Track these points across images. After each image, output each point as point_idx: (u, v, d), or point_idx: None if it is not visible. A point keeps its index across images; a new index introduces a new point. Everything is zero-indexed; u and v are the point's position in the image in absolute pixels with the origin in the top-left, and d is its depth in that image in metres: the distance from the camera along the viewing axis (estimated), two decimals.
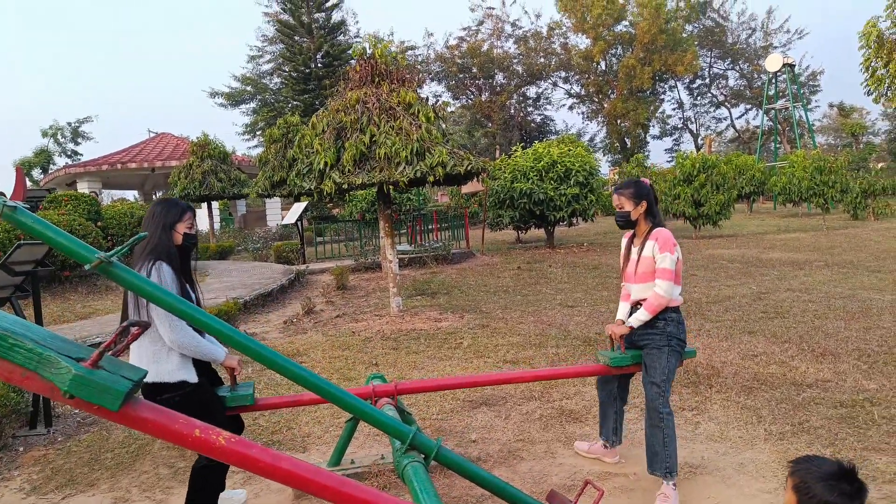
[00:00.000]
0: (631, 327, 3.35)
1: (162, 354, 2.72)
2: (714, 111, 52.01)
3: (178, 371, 2.72)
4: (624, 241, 3.61)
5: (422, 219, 17.11)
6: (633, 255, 3.42)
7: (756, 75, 47.21)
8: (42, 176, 28.55)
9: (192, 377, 2.76)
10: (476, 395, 4.93)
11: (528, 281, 10.84)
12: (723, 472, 3.50)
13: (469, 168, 6.55)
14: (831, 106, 53.92)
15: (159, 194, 27.40)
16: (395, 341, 6.83)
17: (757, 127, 46.12)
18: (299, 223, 14.75)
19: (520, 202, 14.50)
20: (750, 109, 49.77)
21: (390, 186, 6.67)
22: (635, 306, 3.43)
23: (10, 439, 4.39)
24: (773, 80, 37.39)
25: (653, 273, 3.26)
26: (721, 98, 50.84)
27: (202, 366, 2.89)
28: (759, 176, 26.03)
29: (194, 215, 3.03)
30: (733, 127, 52.03)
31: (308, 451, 4.06)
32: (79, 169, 20.97)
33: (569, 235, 19.84)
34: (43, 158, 31.27)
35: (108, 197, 26.00)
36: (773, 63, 35.64)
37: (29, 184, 23.99)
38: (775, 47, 45.08)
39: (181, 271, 2.85)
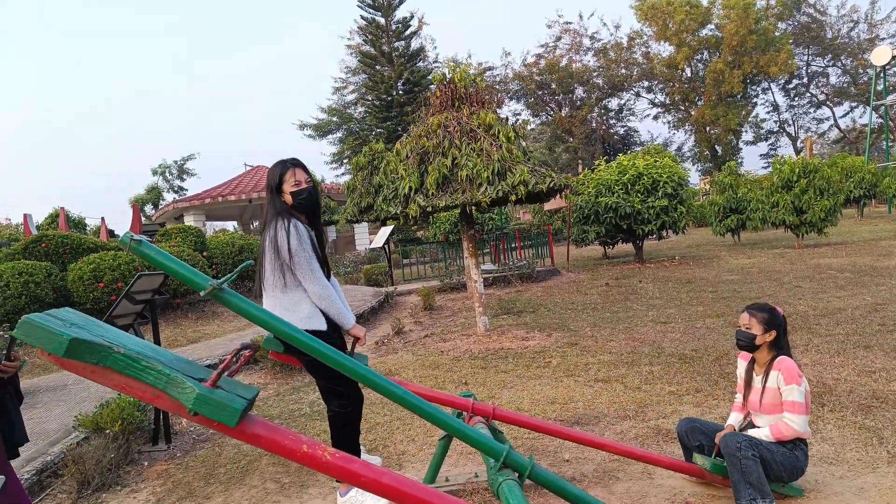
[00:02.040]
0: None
1: (294, 304, 2.96)
2: (814, 112, 49.06)
3: (309, 319, 2.95)
4: (741, 364, 3.50)
5: (505, 238, 17.12)
6: (756, 385, 3.31)
7: (861, 70, 44.21)
8: (153, 211, 30.78)
9: (322, 325, 2.99)
10: (568, 414, 4.87)
11: (616, 297, 10.59)
12: (840, 496, 3.26)
13: (551, 185, 6.54)
14: None
15: (256, 224, 28.90)
16: (484, 360, 6.86)
17: (864, 125, 43.17)
18: (386, 246, 15.13)
19: (605, 217, 14.22)
20: (856, 107, 46.63)
21: (473, 207, 6.74)
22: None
23: (136, 455, 4.76)
24: (882, 75, 34.89)
25: (780, 405, 3.15)
26: (822, 97, 47.94)
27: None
28: (869, 178, 24.24)
29: (304, 169, 3.16)
30: (837, 127, 48.86)
31: (403, 468, 4.15)
32: (185, 203, 22.51)
33: (658, 249, 19.24)
34: (154, 195, 33.73)
35: (210, 228, 27.66)
36: (880, 56, 33.28)
37: (143, 219, 25.97)
38: (882, 39, 42.13)
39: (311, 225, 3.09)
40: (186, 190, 36.08)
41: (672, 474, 3.69)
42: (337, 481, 3.31)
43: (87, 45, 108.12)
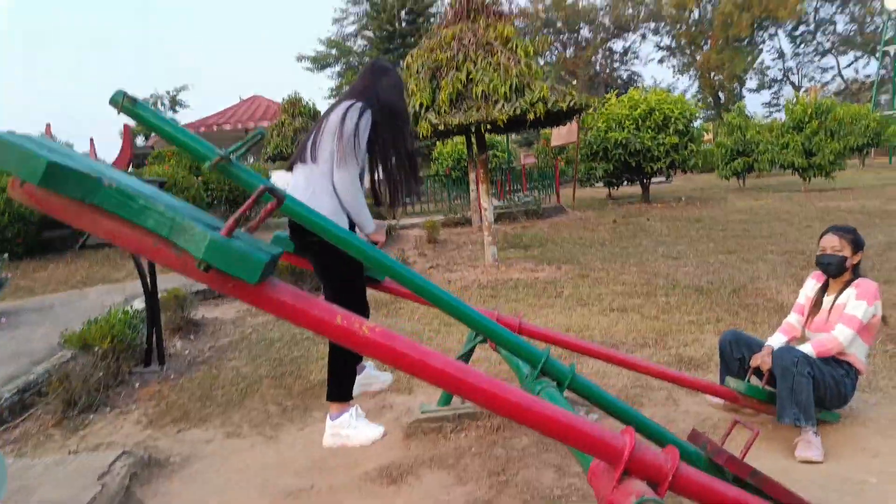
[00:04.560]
0: None
1: (317, 197, 2.75)
2: (819, 60, 47.92)
3: (331, 216, 2.70)
4: (812, 283, 3.28)
5: (510, 174, 16.73)
6: (826, 305, 3.09)
7: (869, 18, 43.01)
8: (145, 141, 30.08)
9: (344, 225, 2.80)
10: (585, 340, 4.66)
11: (625, 234, 10.35)
12: (877, 423, 3.10)
13: (571, 104, 6.16)
14: None
15: (251, 158, 28.28)
16: (493, 290, 6.63)
17: (868, 76, 42.24)
18: None
19: (614, 153, 13.83)
20: (860, 57, 45.56)
21: (488, 127, 6.36)
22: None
23: (127, 375, 4.51)
24: (891, 22, 33.91)
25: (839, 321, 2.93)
26: (828, 45, 46.75)
27: None
28: (874, 126, 23.75)
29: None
30: (840, 77, 47.83)
31: (413, 393, 3.92)
32: None
33: (664, 191, 18.92)
34: (145, 126, 32.99)
35: None
36: (891, 1, 32.27)
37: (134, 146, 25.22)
38: None
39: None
40: (179, 122, 35.29)
41: (698, 400, 3.52)
42: (329, 399, 3.09)
43: None
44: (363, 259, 2.16)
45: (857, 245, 3.07)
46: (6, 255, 6.40)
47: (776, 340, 3.26)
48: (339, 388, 3.04)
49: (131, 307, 4.97)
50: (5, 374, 4.19)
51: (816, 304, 3.20)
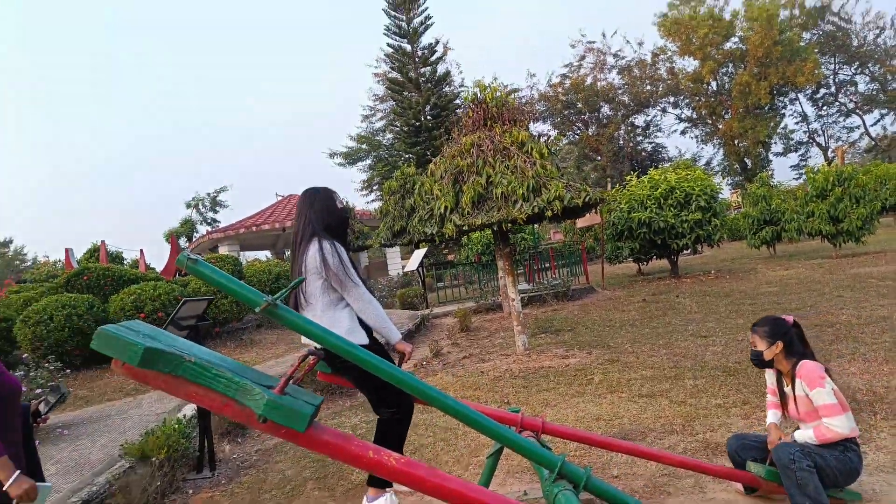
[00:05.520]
0: (794, 441, 3.16)
1: (334, 321, 3.03)
2: (844, 120, 48.04)
3: (350, 334, 3.02)
4: (769, 375, 3.50)
5: (538, 257, 17.05)
6: (789, 394, 3.30)
7: (890, 77, 43.38)
8: (187, 244, 31.43)
9: (364, 339, 3.08)
10: (614, 430, 4.80)
11: (654, 313, 10.44)
12: None
13: (587, 199, 6.54)
14: None
15: (288, 252, 29.26)
16: (525, 379, 6.81)
17: None
18: (420, 269, 15.18)
19: (639, 232, 14.10)
20: (886, 114, 45.62)
21: (509, 224, 6.76)
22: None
23: (181, 483, 4.79)
24: None
25: (816, 411, 3.11)
26: (851, 106, 47.05)
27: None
28: None
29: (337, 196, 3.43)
30: (868, 135, 47.77)
31: None
32: (219, 234, 22.94)
33: (693, 264, 18.94)
34: (188, 228, 34.44)
35: (243, 258, 28.13)
36: None
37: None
38: None
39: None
40: (219, 222, 36.79)
41: (725, 488, 3.62)
42: (369, 484, 3.30)
43: (121, 83, 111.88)
44: (389, 380, 2.36)
45: (773, 335, 3.24)
46: (68, 371, 6.85)
47: (773, 417, 3.43)
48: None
49: (184, 416, 5.29)
50: (69, 487, 4.49)
51: (781, 394, 3.37)
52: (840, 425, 2.99)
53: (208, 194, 37.21)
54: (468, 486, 1.56)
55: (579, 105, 46.06)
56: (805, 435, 3.10)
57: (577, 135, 47.51)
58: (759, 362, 3.32)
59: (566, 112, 46.79)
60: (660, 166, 37.91)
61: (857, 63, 44.96)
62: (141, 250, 14.17)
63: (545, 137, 7.51)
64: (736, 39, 43.05)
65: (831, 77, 45.92)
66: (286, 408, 1.43)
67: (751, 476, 3.30)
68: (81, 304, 9.07)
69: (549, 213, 6.55)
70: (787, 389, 3.30)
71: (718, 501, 3.48)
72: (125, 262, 20.29)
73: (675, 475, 3.86)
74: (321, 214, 3.24)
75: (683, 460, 3.35)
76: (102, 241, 16.45)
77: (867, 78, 45.49)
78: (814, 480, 2.90)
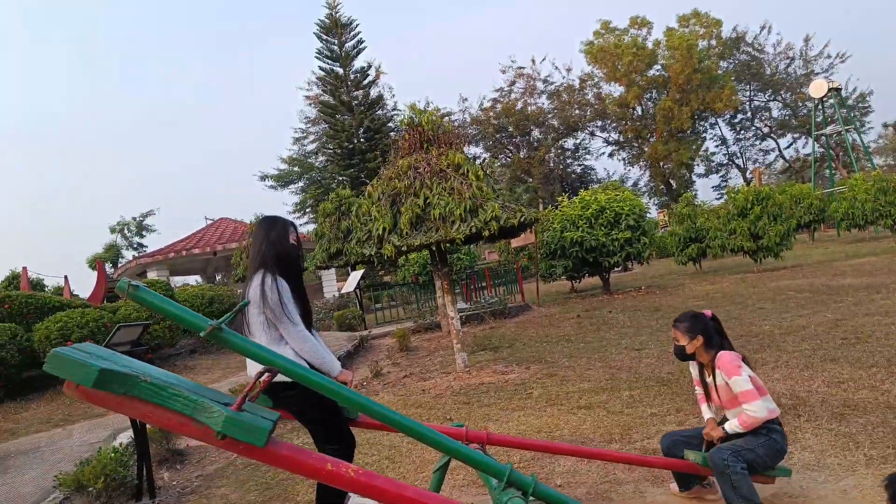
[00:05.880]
0: (726, 432, 3.33)
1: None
2: (760, 143, 51.33)
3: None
4: (693, 367, 3.68)
5: (475, 276, 17.26)
6: (710, 383, 3.49)
7: (801, 104, 46.61)
8: (113, 269, 30.12)
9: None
10: (555, 441, 4.92)
11: (589, 328, 10.75)
12: (826, 499, 3.38)
13: (522, 219, 6.73)
14: (886, 126, 52.55)
15: (219, 277, 28.48)
16: (466, 396, 6.87)
17: (808, 155, 45.25)
18: (358, 290, 15.09)
19: (571, 251, 14.53)
20: (798, 138, 49.00)
21: (447, 245, 6.86)
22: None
23: None
24: (820, 107, 36.83)
25: (736, 398, 3.30)
26: (766, 130, 50.20)
27: None
28: (817, 204, 25.33)
29: (295, 229, 3.38)
30: (782, 157, 51.09)
31: None
32: (148, 259, 22.12)
33: (625, 280, 19.60)
34: (113, 253, 33.07)
35: (173, 283, 27.18)
36: (817, 89, 35.27)
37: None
38: (817, 73, 44.57)
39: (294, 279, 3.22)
40: (146, 247, 35.52)
41: (663, 491, 3.77)
42: None
43: (37, 96, 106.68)
44: (337, 399, 2.39)
45: (693, 330, 3.43)
46: None
47: (707, 412, 3.60)
48: None
49: (121, 444, 5.08)
50: None
51: (704, 385, 3.57)
52: (758, 409, 3.17)
53: (134, 218, 35.91)
54: (424, 493, 1.61)
55: (510, 129, 47.22)
56: (733, 425, 3.28)
57: (509, 157, 48.61)
58: (682, 356, 3.50)
59: (498, 135, 47.87)
60: (589, 187, 39.21)
61: (770, 90, 48.14)
62: (66, 277, 13.53)
63: (480, 160, 7.70)
64: (658, 67, 45.39)
65: (747, 103, 48.96)
66: (245, 423, 1.44)
67: (689, 463, 3.45)
68: (4, 333, 8.57)
69: (486, 234, 6.70)
70: (709, 380, 3.49)
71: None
72: (46, 288, 19.24)
73: (616, 482, 4.00)
74: (273, 246, 3.20)
75: (625, 456, 3.51)
76: (24, 268, 15.58)
77: (780, 104, 48.79)
78: (747, 482, 3.06)
